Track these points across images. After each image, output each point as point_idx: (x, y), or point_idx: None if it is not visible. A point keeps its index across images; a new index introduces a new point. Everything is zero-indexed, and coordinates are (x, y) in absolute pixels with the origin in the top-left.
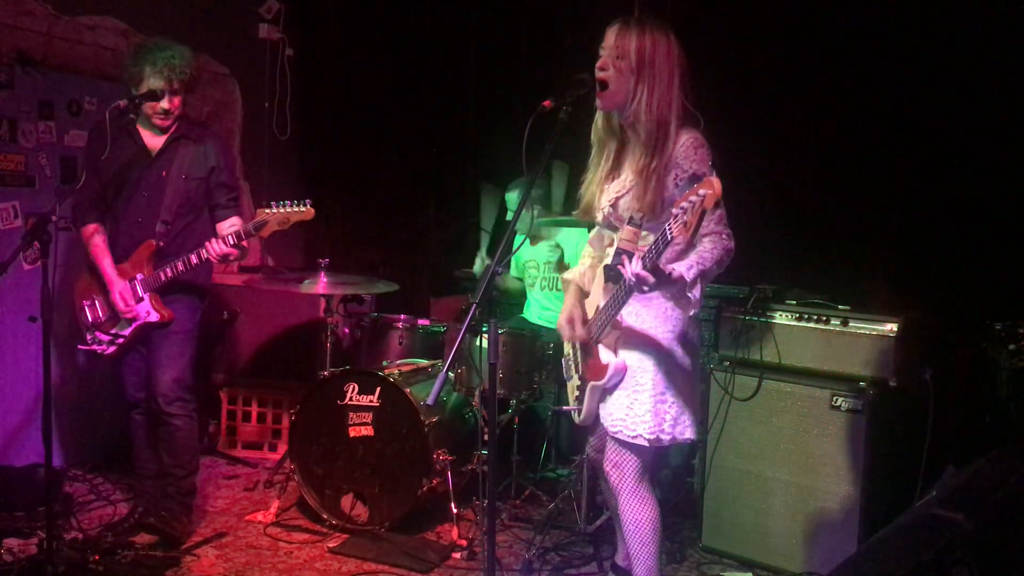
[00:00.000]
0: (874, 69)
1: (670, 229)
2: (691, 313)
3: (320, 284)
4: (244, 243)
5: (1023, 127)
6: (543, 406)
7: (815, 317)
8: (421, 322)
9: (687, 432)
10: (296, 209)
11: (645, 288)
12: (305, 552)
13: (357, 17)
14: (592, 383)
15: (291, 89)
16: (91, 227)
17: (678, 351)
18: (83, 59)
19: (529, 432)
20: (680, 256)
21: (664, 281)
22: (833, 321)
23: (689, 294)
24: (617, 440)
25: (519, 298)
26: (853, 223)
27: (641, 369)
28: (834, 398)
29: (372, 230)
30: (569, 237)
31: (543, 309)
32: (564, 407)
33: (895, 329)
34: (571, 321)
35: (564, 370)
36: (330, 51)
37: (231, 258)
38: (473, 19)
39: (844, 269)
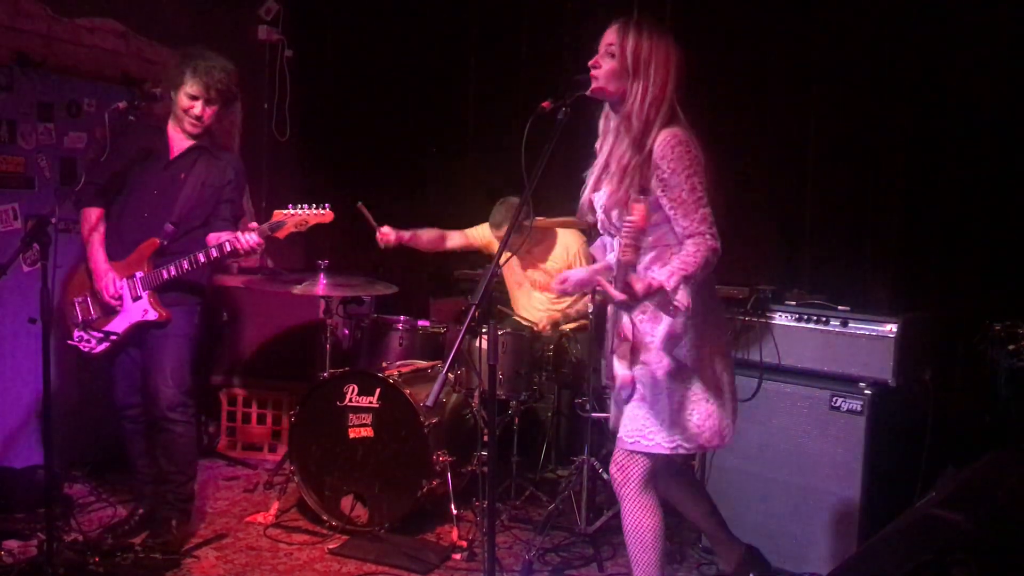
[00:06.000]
0: (874, 69)
1: (623, 254)
2: (680, 319)
3: (320, 285)
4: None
5: (1021, 126)
6: (543, 407)
7: (814, 318)
8: (421, 323)
9: (715, 440)
10: (315, 212)
11: (625, 303)
12: (305, 553)
13: (356, 18)
14: (613, 393)
15: (290, 91)
16: (95, 213)
17: (682, 357)
18: (82, 61)
19: (529, 433)
20: (662, 261)
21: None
22: (832, 322)
23: (675, 301)
24: (631, 448)
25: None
26: (853, 223)
27: (653, 380)
28: (833, 399)
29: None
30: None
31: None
32: (597, 414)
33: (894, 330)
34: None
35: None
36: (329, 52)
37: (246, 254)
38: (473, 20)
39: (844, 270)
